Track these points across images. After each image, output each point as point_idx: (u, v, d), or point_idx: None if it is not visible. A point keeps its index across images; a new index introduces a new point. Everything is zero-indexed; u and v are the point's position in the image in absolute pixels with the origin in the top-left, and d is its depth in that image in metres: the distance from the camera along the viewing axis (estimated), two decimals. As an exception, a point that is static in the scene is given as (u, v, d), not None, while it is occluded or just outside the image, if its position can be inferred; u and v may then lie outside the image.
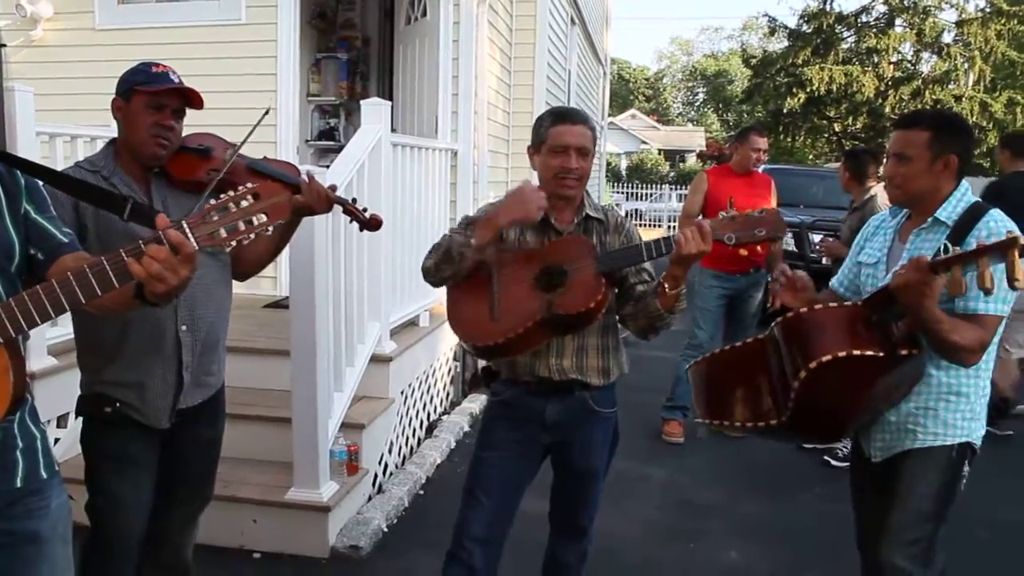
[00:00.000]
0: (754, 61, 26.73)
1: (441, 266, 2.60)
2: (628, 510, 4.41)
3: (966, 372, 2.44)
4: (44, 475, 1.88)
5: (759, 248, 5.14)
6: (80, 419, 2.60)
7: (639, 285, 2.68)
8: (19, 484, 1.82)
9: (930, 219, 2.47)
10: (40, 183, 1.92)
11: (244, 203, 1.60)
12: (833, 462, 5.10)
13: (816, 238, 8.84)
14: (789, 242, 8.48)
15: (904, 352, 2.26)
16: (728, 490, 4.81)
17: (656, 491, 4.80)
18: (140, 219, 1.98)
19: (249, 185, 1.63)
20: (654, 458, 5.28)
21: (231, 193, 1.61)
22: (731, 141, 6.14)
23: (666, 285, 2.49)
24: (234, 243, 1.62)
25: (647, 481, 4.89)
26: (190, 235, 1.59)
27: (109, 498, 2.55)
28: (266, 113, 2.52)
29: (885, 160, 2.63)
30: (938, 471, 2.49)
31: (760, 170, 5.67)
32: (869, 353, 2.20)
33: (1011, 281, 1.94)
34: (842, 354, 2.19)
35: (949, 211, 2.44)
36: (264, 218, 1.61)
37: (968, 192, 2.48)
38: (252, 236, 1.61)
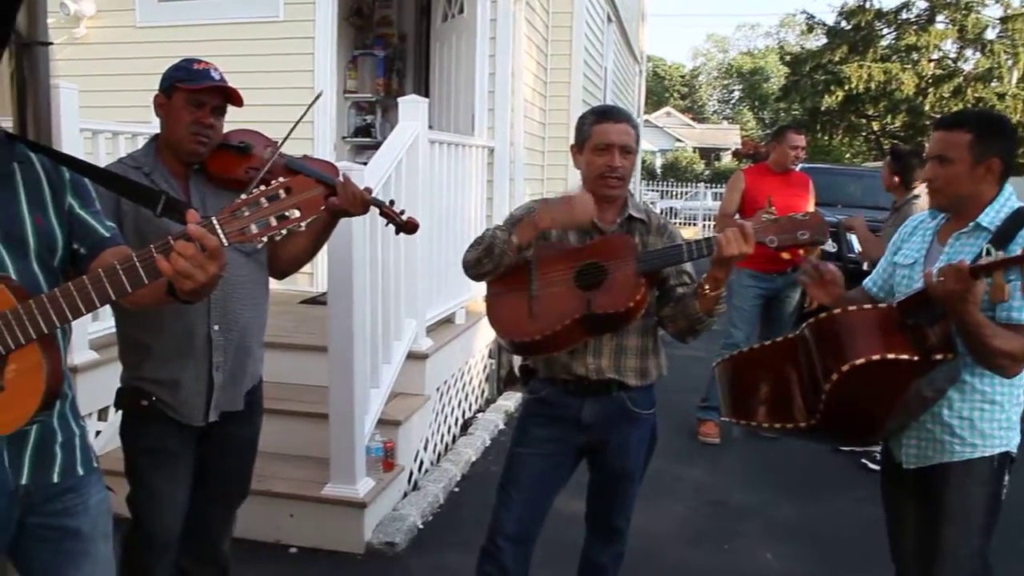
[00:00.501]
0: (791, 58, 26.47)
1: (482, 260, 2.60)
2: (663, 511, 4.38)
3: (1001, 380, 2.37)
4: (81, 471, 1.89)
5: (801, 250, 5.09)
6: (120, 412, 2.62)
7: (679, 287, 2.65)
8: (56, 479, 1.83)
9: (971, 223, 2.39)
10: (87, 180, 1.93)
11: (276, 198, 1.56)
12: (871, 465, 5.02)
13: (854, 239, 8.73)
14: (829, 243, 8.39)
15: (939, 357, 2.20)
16: (763, 492, 4.76)
17: (691, 492, 4.76)
18: (173, 215, 1.98)
19: (281, 180, 1.59)
20: (689, 458, 5.24)
21: (262, 188, 1.58)
22: (767, 139, 6.08)
23: (706, 287, 2.47)
24: (265, 239, 1.58)
25: (682, 482, 4.85)
26: (219, 230, 1.55)
27: (147, 491, 2.57)
28: (317, 98, 2.51)
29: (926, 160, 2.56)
30: (982, 484, 2.42)
31: (798, 169, 5.60)
32: (904, 357, 2.15)
33: None
34: (876, 357, 2.15)
35: (992, 216, 2.36)
36: (297, 213, 1.56)
37: (1012, 197, 2.40)
38: (284, 232, 1.57)
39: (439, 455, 5.00)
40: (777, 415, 2.38)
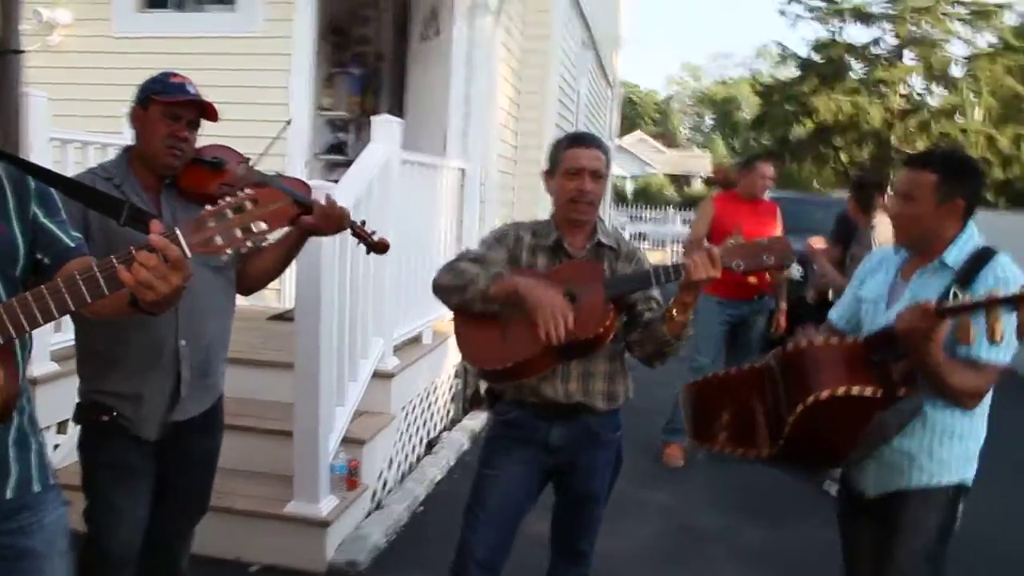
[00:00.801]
0: (763, 88, 26.82)
1: (452, 293, 2.63)
2: (627, 533, 4.39)
3: (962, 412, 2.43)
4: (37, 488, 1.84)
5: (768, 276, 5.13)
6: (78, 426, 2.59)
7: (647, 312, 2.68)
8: (10, 495, 1.79)
9: (936, 261, 2.44)
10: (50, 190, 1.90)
11: (242, 210, 1.55)
12: (833, 491, 5.07)
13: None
14: (797, 270, 8.49)
15: (902, 392, 2.25)
16: (728, 515, 4.80)
17: (655, 515, 4.78)
18: (137, 225, 1.98)
19: (248, 191, 1.58)
20: (654, 481, 5.27)
21: (228, 199, 1.56)
22: (738, 167, 6.16)
23: (674, 311, 2.51)
24: (230, 251, 1.57)
25: (646, 505, 4.87)
26: (182, 241, 1.53)
27: (106, 506, 2.55)
28: (286, 126, 2.53)
29: (890, 191, 2.62)
30: (937, 512, 2.48)
31: (766, 197, 5.69)
32: (868, 392, 2.19)
33: (1022, 334, 1.94)
34: (840, 391, 2.19)
35: (955, 255, 2.41)
36: (264, 226, 1.55)
37: (974, 236, 2.45)
38: (249, 244, 1.57)
39: (403, 474, 4.99)
40: (739, 441, 2.42)
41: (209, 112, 2.52)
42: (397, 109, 7.46)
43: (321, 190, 2.99)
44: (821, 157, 25.26)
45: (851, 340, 2.39)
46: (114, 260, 1.55)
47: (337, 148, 7.82)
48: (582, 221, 2.69)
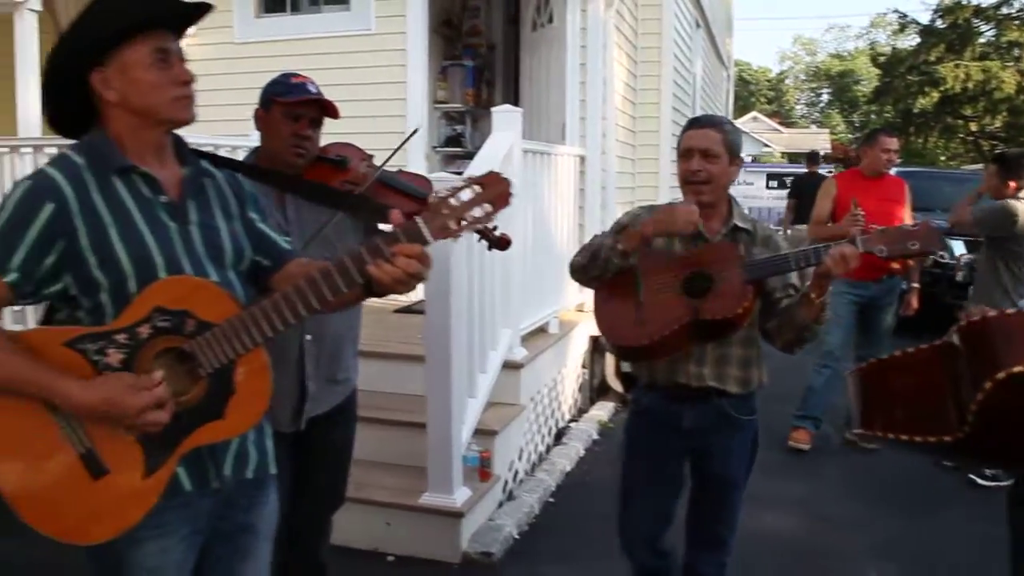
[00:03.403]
0: (883, 60, 25.80)
1: (588, 267, 2.66)
2: (762, 525, 4.25)
3: None
4: (273, 470, 1.95)
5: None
6: None
7: (784, 299, 2.63)
8: (251, 475, 1.88)
9: None
10: (258, 194, 2.00)
11: (471, 195, 1.61)
12: (980, 481, 4.82)
13: (958, 245, 8.47)
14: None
15: None
16: (866, 507, 4.61)
17: (789, 506, 4.63)
18: (373, 216, 2.02)
19: (475, 175, 1.64)
20: (786, 472, 5.12)
21: (455, 185, 1.62)
22: (858, 143, 5.89)
23: (812, 294, 2.46)
24: (462, 235, 1.63)
25: (780, 495, 4.72)
26: (424, 229, 1.60)
27: None
28: (413, 134, 2.54)
29: None
30: None
31: (891, 173, 5.44)
32: None
33: None
34: None
35: None
36: (489, 208, 1.62)
37: None
38: (479, 227, 1.64)
39: (533, 465, 4.98)
40: (919, 427, 2.20)
41: (330, 110, 2.55)
42: (512, 99, 7.47)
43: (444, 183, 2.98)
44: (948, 129, 24.21)
45: None
46: (364, 252, 1.62)
47: (454, 140, 7.89)
48: (702, 201, 2.64)
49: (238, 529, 1.90)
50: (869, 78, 39.50)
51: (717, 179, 2.63)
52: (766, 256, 2.61)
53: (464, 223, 1.61)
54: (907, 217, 5.08)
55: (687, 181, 2.65)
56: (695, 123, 2.71)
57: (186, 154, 1.83)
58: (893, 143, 5.28)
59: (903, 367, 2.29)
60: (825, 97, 57.37)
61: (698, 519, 2.90)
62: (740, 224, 2.70)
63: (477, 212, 1.61)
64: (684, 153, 2.65)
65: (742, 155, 2.70)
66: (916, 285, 5.68)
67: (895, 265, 2.45)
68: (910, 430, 2.19)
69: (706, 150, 2.61)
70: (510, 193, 1.66)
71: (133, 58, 1.68)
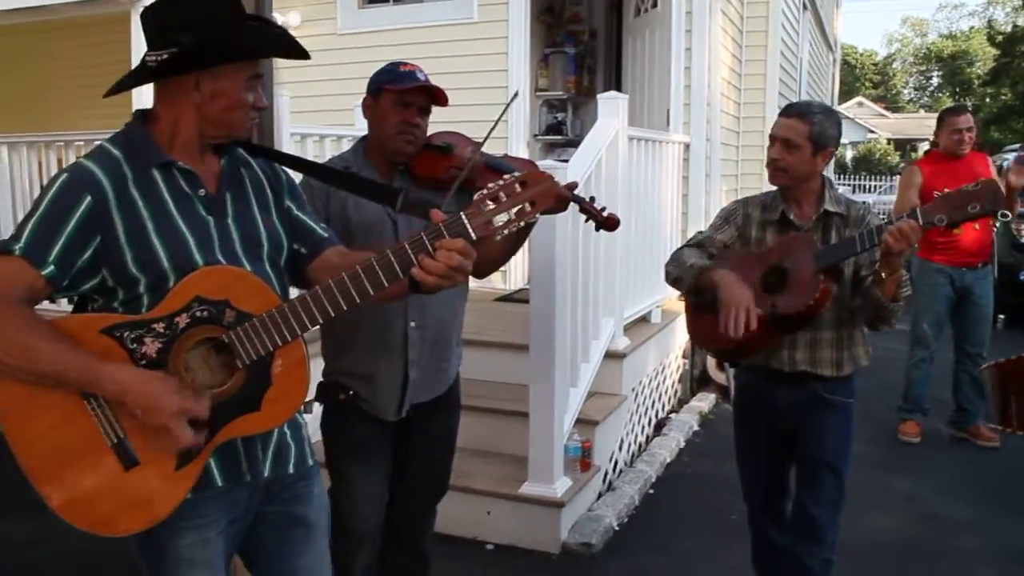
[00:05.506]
0: (1002, 38, 24.65)
1: (677, 283, 2.83)
2: (869, 522, 4.13)
3: None
4: (311, 462, 1.95)
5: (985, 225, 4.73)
6: (320, 406, 2.69)
7: (870, 276, 2.63)
8: (292, 470, 1.89)
9: None
10: (296, 182, 2.00)
11: (514, 192, 1.59)
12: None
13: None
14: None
15: None
16: (979, 506, 4.40)
17: (897, 502, 4.47)
18: (414, 210, 2.02)
19: (517, 173, 1.61)
20: (893, 467, 4.95)
21: (501, 181, 1.60)
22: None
23: (883, 273, 2.48)
24: (506, 232, 1.60)
25: (888, 491, 4.57)
26: (468, 225, 1.59)
27: (344, 483, 2.63)
28: (514, 98, 2.52)
29: None
30: None
31: (967, 151, 5.17)
32: None
33: None
34: None
35: None
36: (530, 206, 1.60)
37: None
38: (522, 223, 1.60)
39: (633, 456, 4.94)
40: None
41: (438, 97, 2.54)
42: (613, 85, 7.39)
43: (550, 170, 2.97)
44: (1071, 112, 23.01)
45: None
46: (407, 247, 1.61)
47: (555, 128, 7.85)
48: (779, 186, 2.76)
49: (288, 522, 1.90)
50: (984, 59, 37.81)
51: (793, 168, 2.68)
52: (837, 241, 2.66)
53: (509, 219, 1.60)
54: None
55: (767, 165, 2.76)
56: (785, 111, 2.75)
57: (223, 145, 1.81)
58: (962, 121, 5.09)
59: None
60: (935, 80, 55.17)
61: (797, 502, 2.91)
62: (831, 208, 2.73)
63: (524, 208, 1.59)
64: (771, 139, 2.74)
65: (831, 147, 2.69)
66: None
67: (956, 231, 2.37)
68: None
69: (787, 140, 2.67)
70: (553, 190, 1.64)
71: (234, 76, 1.69)
